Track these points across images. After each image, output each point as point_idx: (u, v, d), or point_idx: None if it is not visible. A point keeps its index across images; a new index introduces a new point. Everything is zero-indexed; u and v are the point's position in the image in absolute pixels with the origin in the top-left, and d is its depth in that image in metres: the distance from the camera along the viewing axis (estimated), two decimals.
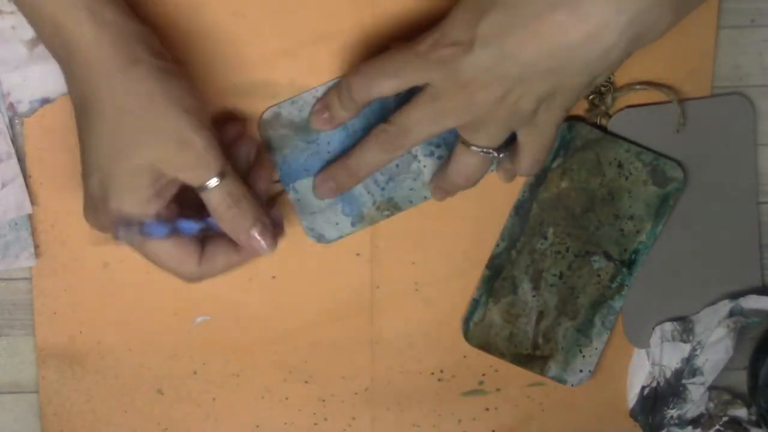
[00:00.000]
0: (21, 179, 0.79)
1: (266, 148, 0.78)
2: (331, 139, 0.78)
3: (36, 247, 0.80)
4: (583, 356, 0.85)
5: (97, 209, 0.69)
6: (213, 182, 0.69)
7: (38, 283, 0.82)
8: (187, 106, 0.68)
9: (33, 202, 0.79)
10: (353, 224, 0.81)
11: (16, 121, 0.78)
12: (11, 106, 0.78)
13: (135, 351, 0.83)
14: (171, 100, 0.68)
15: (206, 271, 0.72)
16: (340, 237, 0.81)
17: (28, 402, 0.84)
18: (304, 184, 0.79)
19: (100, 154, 0.68)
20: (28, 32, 0.76)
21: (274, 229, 0.72)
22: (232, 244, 0.72)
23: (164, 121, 0.67)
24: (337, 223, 0.80)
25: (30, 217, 0.80)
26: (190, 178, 0.69)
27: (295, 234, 0.82)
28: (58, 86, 0.77)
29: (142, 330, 0.83)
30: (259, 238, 0.71)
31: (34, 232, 0.80)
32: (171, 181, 0.69)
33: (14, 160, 0.78)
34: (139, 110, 0.67)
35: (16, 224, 0.80)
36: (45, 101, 0.78)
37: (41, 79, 0.77)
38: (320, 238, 0.81)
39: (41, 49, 0.76)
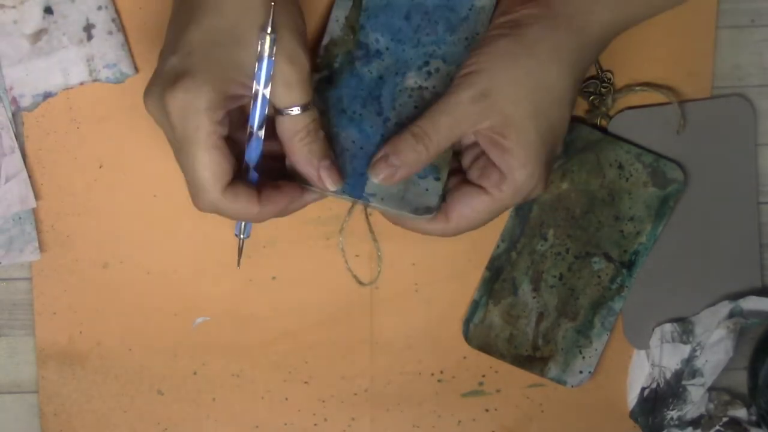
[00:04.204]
0: (25, 173, 0.79)
1: None
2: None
3: None
4: (583, 357, 0.85)
5: (164, 89, 0.67)
6: (297, 109, 0.69)
7: (38, 283, 0.82)
8: (301, 30, 0.69)
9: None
10: (437, 178, 0.76)
11: (19, 115, 0.78)
12: (14, 101, 0.78)
13: (135, 351, 0.83)
14: (288, 18, 0.68)
15: (266, 212, 0.71)
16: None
17: (28, 402, 0.84)
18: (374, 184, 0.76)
19: (199, 35, 0.67)
20: (30, 26, 0.76)
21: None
22: (285, 190, 0.72)
23: (281, 32, 0.68)
24: (427, 189, 0.76)
25: (33, 211, 0.80)
26: (282, 96, 0.69)
27: (295, 234, 0.82)
28: (60, 80, 0.78)
29: (142, 330, 0.83)
30: (327, 172, 0.72)
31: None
32: (248, 89, 0.69)
33: (18, 155, 0.79)
34: (256, 15, 0.67)
35: (20, 218, 0.80)
36: (48, 95, 0.78)
37: (44, 73, 0.77)
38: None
39: (43, 43, 0.76)
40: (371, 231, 0.81)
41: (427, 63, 0.77)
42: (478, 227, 0.75)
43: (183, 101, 0.66)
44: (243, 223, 0.74)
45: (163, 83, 0.67)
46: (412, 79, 0.77)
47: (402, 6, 0.77)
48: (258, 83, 0.68)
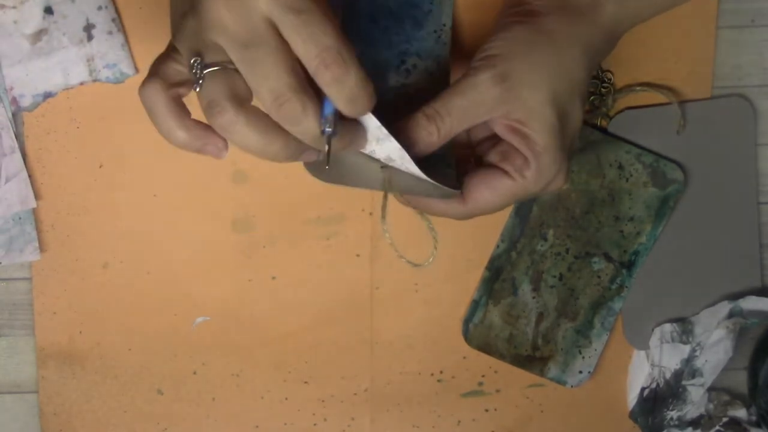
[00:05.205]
0: (25, 173, 0.79)
1: None
2: None
3: None
4: (583, 357, 0.85)
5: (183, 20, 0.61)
6: None
7: (38, 283, 0.82)
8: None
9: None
10: (448, 165, 0.72)
11: (19, 115, 0.78)
12: (14, 101, 0.78)
13: (135, 351, 0.83)
14: None
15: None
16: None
17: (28, 402, 0.84)
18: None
19: None
20: (31, 26, 0.76)
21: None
22: None
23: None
24: (444, 175, 0.72)
25: (33, 211, 0.80)
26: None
27: (295, 234, 0.82)
28: (60, 80, 0.78)
29: (141, 330, 0.83)
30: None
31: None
32: None
33: (18, 155, 0.79)
34: None
35: (20, 218, 0.80)
36: (48, 95, 0.78)
37: (44, 73, 0.77)
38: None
39: (43, 43, 0.76)
40: (420, 214, 0.73)
41: (403, 61, 0.77)
42: (494, 212, 0.71)
43: None
44: (330, 115, 0.62)
45: (189, 13, 0.60)
46: (393, 79, 0.76)
47: (365, 11, 0.77)
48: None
